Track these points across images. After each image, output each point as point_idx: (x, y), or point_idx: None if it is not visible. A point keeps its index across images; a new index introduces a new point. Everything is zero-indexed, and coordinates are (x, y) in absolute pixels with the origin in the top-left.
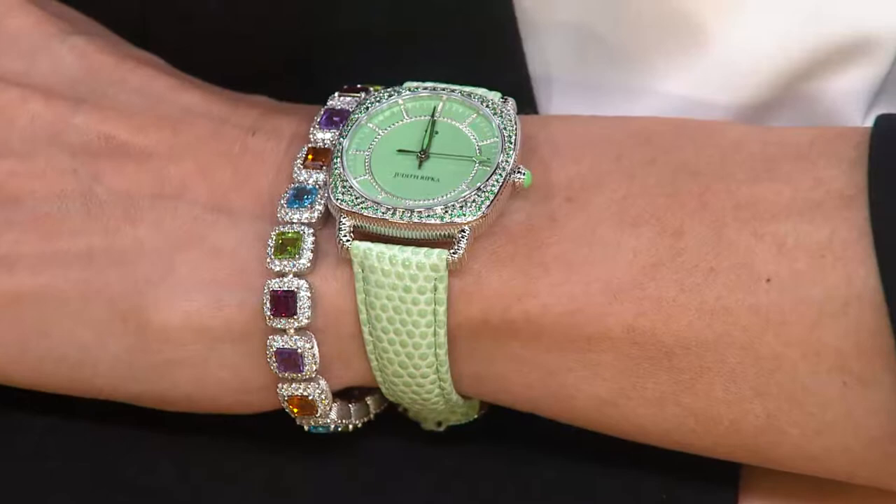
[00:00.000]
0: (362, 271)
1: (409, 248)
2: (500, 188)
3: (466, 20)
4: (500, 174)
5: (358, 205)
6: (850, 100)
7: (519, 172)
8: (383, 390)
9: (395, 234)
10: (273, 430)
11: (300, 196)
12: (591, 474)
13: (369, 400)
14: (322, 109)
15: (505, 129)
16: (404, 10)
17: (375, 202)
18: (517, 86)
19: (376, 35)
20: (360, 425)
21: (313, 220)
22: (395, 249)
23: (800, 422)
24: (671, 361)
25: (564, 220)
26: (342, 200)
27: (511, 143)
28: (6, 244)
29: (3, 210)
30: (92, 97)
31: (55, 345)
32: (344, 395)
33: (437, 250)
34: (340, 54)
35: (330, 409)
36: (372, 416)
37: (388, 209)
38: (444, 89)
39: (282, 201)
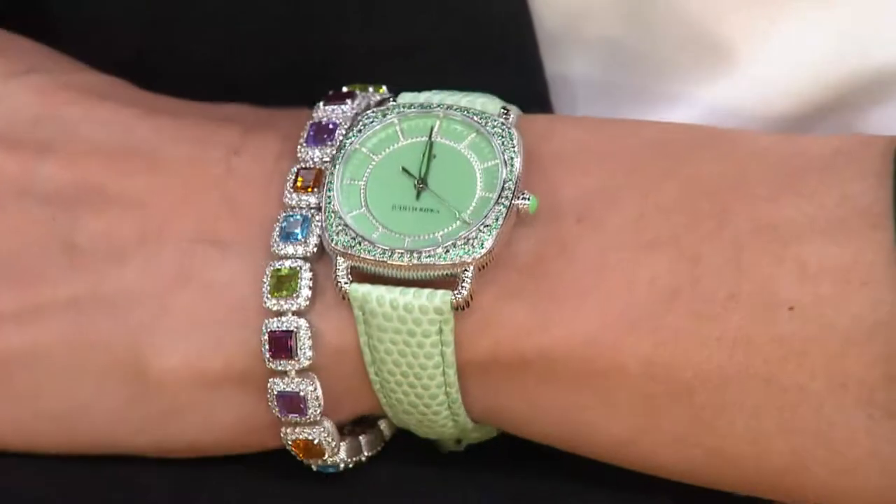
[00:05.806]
0: (363, 314)
1: (411, 291)
2: (503, 220)
3: (479, 27)
4: (504, 205)
5: (354, 245)
6: (887, 129)
7: (524, 198)
8: (395, 422)
9: (395, 276)
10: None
11: (293, 227)
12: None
13: (382, 424)
14: (308, 124)
15: (505, 151)
16: (417, 19)
17: (372, 242)
18: (535, 95)
19: (385, 45)
20: (372, 454)
21: (309, 254)
22: (395, 293)
23: (826, 460)
24: (691, 398)
25: (575, 245)
26: (337, 241)
27: (513, 166)
28: None
29: None
30: (57, 139)
31: (51, 403)
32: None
33: (440, 291)
34: (352, 64)
35: (338, 450)
36: (386, 439)
37: (387, 250)
38: (439, 106)
39: (274, 234)
